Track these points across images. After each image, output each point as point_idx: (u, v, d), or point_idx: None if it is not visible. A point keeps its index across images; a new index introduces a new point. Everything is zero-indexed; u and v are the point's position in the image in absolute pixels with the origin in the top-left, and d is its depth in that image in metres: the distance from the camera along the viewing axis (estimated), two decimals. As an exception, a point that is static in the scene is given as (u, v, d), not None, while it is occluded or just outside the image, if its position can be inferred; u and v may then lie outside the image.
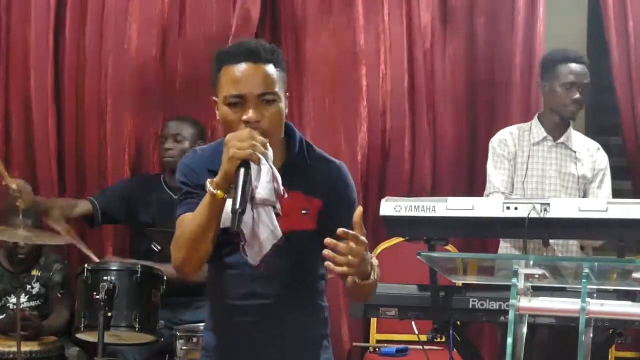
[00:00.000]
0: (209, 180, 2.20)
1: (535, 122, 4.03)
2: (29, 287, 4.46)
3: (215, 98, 2.31)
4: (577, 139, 4.03)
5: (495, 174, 3.99)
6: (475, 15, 4.79)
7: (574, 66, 3.93)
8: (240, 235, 2.20)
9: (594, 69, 4.10)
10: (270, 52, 2.28)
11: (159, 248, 4.16)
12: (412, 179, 4.80)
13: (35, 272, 4.49)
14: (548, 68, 4.00)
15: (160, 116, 4.79)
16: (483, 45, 4.77)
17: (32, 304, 4.46)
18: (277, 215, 2.22)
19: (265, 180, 2.14)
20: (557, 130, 3.99)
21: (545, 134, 3.98)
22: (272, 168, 2.17)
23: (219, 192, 2.15)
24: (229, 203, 2.14)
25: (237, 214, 2.08)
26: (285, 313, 2.34)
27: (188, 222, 2.26)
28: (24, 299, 4.40)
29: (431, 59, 4.78)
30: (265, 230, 2.20)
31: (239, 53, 2.26)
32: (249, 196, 2.11)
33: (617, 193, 4.14)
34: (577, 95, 3.90)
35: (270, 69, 2.26)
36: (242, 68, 2.24)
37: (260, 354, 2.36)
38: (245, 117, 2.21)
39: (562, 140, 3.98)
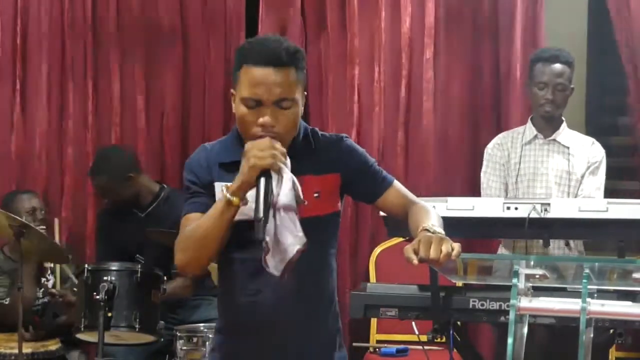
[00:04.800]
0: (223, 185, 2.20)
1: (528, 123, 4.03)
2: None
3: (233, 91, 2.32)
4: (570, 135, 3.99)
5: (488, 180, 3.99)
6: (474, 15, 4.78)
7: (546, 65, 3.91)
8: (263, 244, 2.14)
9: (593, 69, 4.09)
10: (292, 54, 2.25)
11: (143, 259, 4.15)
12: (406, 179, 4.78)
13: None
14: (530, 68, 4.01)
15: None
16: (481, 46, 4.76)
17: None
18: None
19: (287, 187, 2.13)
20: (547, 128, 3.97)
21: (535, 133, 3.98)
22: (292, 176, 2.16)
23: (235, 198, 2.14)
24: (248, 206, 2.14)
25: (261, 222, 2.07)
26: (298, 308, 2.31)
27: (196, 224, 2.24)
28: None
29: (427, 59, 4.76)
30: (289, 236, 2.13)
31: (260, 55, 2.24)
32: (270, 204, 2.10)
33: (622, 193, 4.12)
34: (549, 95, 3.88)
35: (291, 73, 2.25)
36: (261, 72, 2.22)
37: (272, 353, 2.34)
38: (260, 120, 2.23)
39: (552, 137, 3.97)
